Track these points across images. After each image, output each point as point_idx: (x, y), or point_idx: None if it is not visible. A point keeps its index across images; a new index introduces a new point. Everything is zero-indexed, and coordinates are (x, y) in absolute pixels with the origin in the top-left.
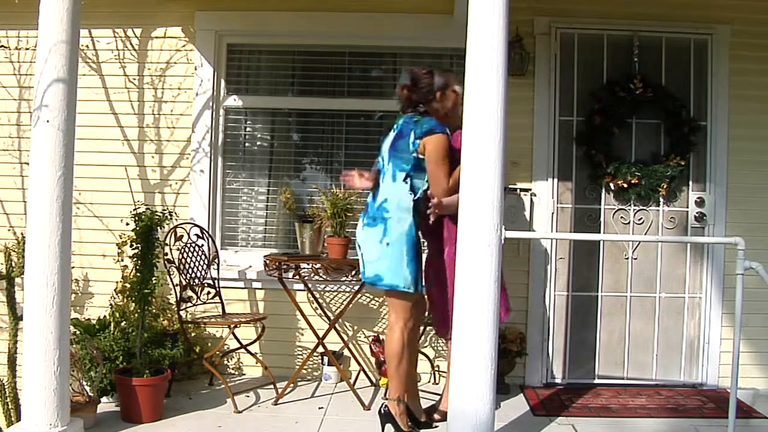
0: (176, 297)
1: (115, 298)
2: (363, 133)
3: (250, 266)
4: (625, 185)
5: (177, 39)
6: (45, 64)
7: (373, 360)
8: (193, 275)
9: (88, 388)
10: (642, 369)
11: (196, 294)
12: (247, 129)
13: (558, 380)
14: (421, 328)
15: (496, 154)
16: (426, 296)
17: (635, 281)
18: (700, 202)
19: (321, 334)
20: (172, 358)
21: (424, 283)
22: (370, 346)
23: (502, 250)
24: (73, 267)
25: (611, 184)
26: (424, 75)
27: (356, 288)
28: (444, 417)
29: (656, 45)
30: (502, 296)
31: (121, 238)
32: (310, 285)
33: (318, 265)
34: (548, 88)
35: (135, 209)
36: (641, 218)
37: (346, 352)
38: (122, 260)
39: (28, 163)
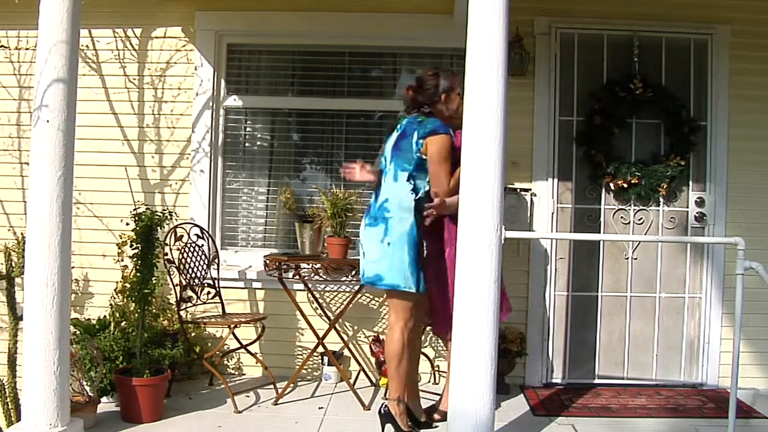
0: (176, 297)
1: (115, 298)
2: (363, 133)
3: (250, 266)
4: (625, 185)
5: (177, 39)
6: (45, 64)
7: (373, 360)
8: (193, 275)
9: (88, 388)
10: (642, 369)
11: (196, 294)
12: (247, 129)
13: (558, 380)
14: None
15: (496, 154)
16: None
17: (635, 281)
18: (700, 202)
19: (321, 334)
20: (172, 358)
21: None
22: (370, 346)
23: (502, 250)
24: (73, 267)
25: (611, 184)
26: (429, 77)
27: (356, 288)
28: (444, 417)
29: (656, 45)
30: (501, 296)
31: (121, 238)
32: (310, 285)
33: (318, 265)
34: (548, 88)
35: (135, 209)
36: (641, 218)
37: (346, 352)
38: (122, 260)
39: (28, 163)
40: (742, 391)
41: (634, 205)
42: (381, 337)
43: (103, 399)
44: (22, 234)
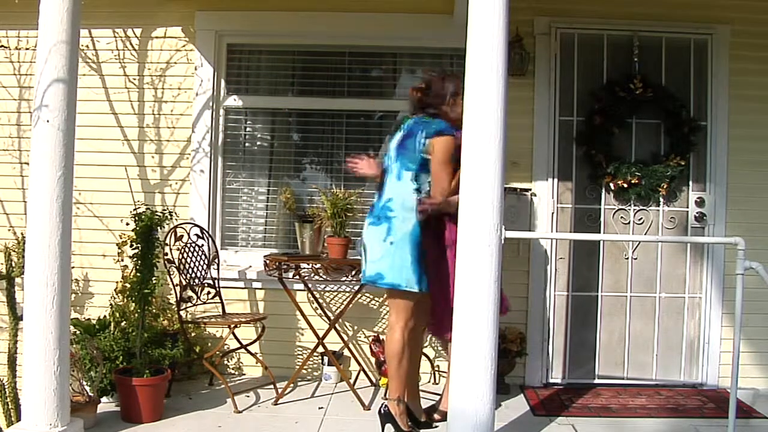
0: (176, 297)
1: (115, 298)
2: (363, 133)
3: (250, 266)
4: (625, 185)
5: (177, 39)
6: (45, 64)
7: (373, 360)
8: (193, 275)
9: (88, 388)
10: (642, 369)
11: (196, 294)
12: (247, 129)
13: (558, 380)
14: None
15: (496, 154)
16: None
17: (635, 281)
18: (700, 202)
19: (321, 334)
20: (172, 358)
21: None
22: (370, 346)
23: (502, 250)
24: (73, 267)
25: (611, 184)
26: (437, 79)
27: (356, 288)
28: (444, 417)
29: (656, 45)
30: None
31: (121, 238)
32: (310, 285)
33: (318, 265)
34: (548, 88)
35: (135, 209)
36: (641, 218)
37: (346, 352)
38: (122, 260)
39: (28, 163)
40: (742, 391)
41: (634, 205)
42: (381, 337)
43: (103, 399)
44: (22, 234)
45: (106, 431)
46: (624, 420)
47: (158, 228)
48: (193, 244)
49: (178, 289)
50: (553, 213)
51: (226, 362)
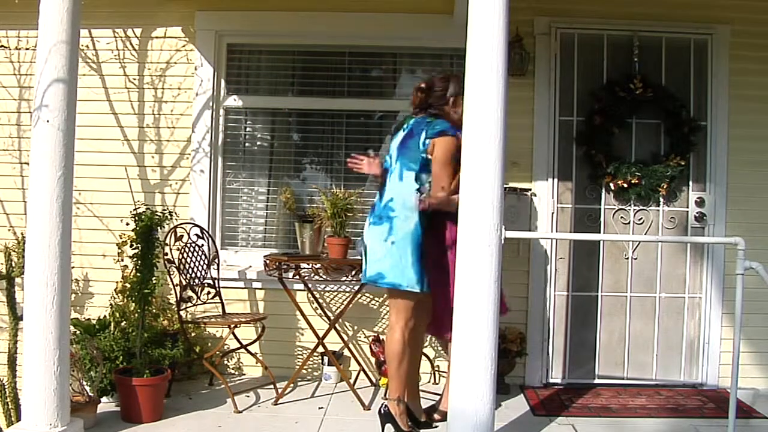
0: (176, 297)
1: (115, 298)
2: (363, 133)
3: (250, 266)
4: (625, 185)
5: (177, 39)
6: (45, 64)
7: (373, 360)
8: (193, 275)
9: (88, 388)
10: (642, 369)
11: (196, 294)
12: (247, 129)
13: (558, 380)
14: None
15: (496, 154)
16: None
17: (635, 281)
18: (700, 202)
19: (321, 334)
20: (172, 358)
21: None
22: (370, 346)
23: (502, 250)
24: (73, 267)
25: (611, 184)
26: (440, 80)
27: (356, 288)
28: (444, 417)
29: (656, 45)
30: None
31: (121, 238)
32: (310, 285)
33: (318, 265)
34: (548, 88)
35: (135, 209)
36: (641, 218)
37: (346, 352)
38: (122, 260)
39: (28, 163)
40: (742, 391)
41: (634, 205)
42: (381, 337)
43: (103, 399)
44: (22, 234)
45: (106, 431)
46: (624, 420)
47: (158, 228)
48: (193, 244)
49: (178, 289)
50: (553, 213)
51: (226, 362)
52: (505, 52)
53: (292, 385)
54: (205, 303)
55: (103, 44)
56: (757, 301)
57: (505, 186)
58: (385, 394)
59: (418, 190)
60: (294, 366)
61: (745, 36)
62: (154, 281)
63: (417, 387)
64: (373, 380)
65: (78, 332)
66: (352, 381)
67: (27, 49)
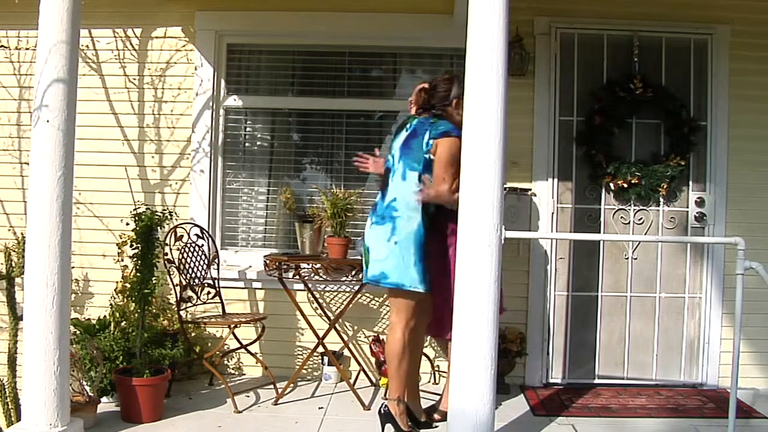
0: (176, 297)
1: (115, 298)
2: (363, 133)
3: (250, 266)
4: (625, 185)
5: (177, 39)
6: (45, 64)
7: (373, 360)
8: (193, 275)
9: (88, 388)
10: (642, 369)
11: (196, 294)
12: (247, 129)
13: (558, 380)
14: None
15: (496, 154)
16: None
17: (635, 281)
18: (700, 202)
19: (321, 334)
20: (172, 358)
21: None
22: (370, 346)
23: (502, 250)
24: (73, 267)
25: (611, 184)
26: (443, 81)
27: (356, 288)
28: (444, 417)
29: (656, 45)
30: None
31: (121, 238)
32: (310, 285)
33: (318, 265)
34: (548, 88)
35: (135, 209)
36: (641, 218)
37: (346, 352)
38: (122, 260)
39: (28, 163)
40: (742, 391)
41: (634, 205)
42: (381, 337)
43: (103, 399)
44: (22, 234)
45: (106, 431)
46: (624, 420)
47: (158, 228)
48: (193, 244)
49: (178, 289)
50: (553, 213)
51: (226, 362)
52: (505, 52)
53: (292, 385)
54: (205, 303)
55: (103, 44)
56: (757, 301)
57: (505, 186)
58: (385, 394)
59: (421, 190)
60: (294, 366)
61: (745, 36)
62: (154, 281)
63: (417, 387)
64: (373, 380)
65: (78, 332)
66: (352, 381)
67: (27, 49)
